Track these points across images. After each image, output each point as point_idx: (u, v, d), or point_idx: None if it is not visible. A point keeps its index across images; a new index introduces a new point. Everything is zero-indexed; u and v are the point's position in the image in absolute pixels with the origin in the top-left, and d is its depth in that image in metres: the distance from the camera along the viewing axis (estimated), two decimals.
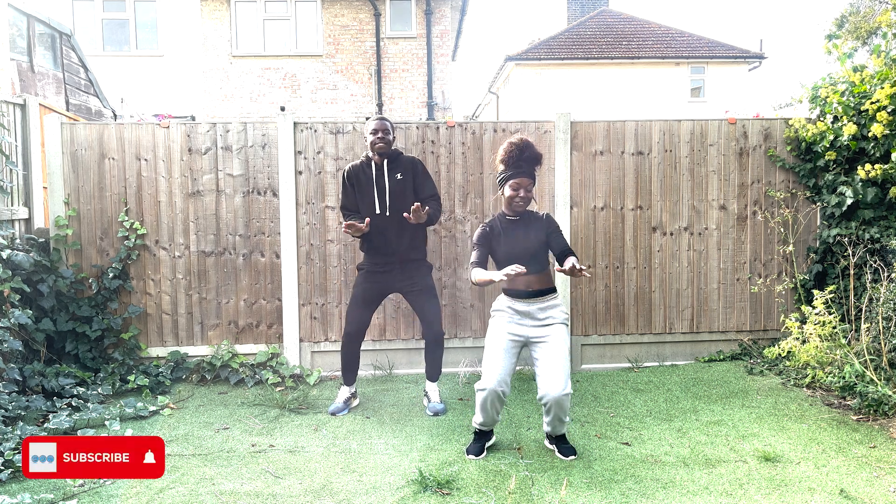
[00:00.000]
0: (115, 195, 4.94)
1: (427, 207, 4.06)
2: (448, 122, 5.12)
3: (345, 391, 4.37)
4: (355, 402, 4.41)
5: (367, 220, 4.08)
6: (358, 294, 4.27)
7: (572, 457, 3.48)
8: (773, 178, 5.28)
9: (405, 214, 4.01)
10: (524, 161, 3.44)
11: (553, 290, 3.52)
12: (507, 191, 3.46)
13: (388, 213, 4.19)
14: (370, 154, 4.25)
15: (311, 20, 14.41)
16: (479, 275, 3.41)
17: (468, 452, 3.55)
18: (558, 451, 3.52)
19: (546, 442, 3.67)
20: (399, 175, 4.21)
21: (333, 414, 4.24)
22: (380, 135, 4.16)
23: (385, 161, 4.22)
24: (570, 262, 3.18)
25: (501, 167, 3.51)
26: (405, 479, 3.25)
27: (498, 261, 3.54)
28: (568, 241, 5.06)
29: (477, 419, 3.55)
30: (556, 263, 3.48)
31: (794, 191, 5.26)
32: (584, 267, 3.21)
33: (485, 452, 3.58)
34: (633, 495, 3.06)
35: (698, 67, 21.56)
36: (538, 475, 3.29)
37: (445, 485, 3.15)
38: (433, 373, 4.36)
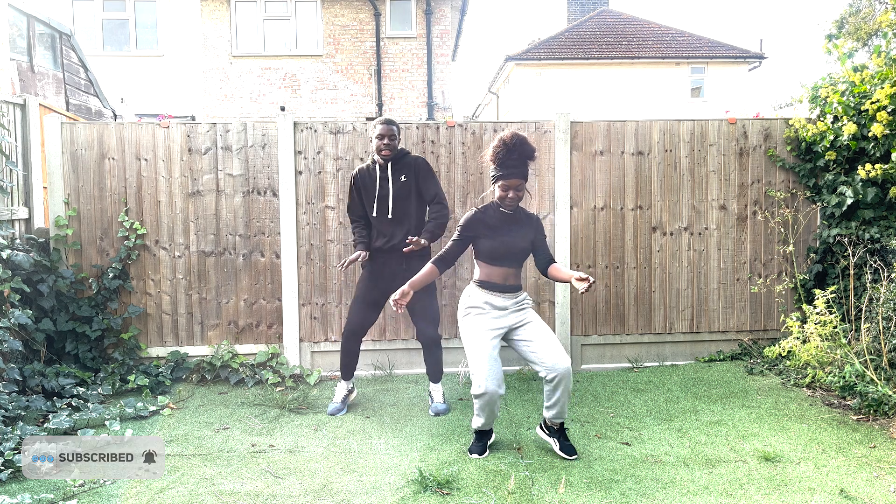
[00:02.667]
0: (115, 195, 4.94)
1: (423, 240, 4.02)
2: (448, 122, 5.12)
3: (342, 387, 4.36)
4: (353, 397, 4.41)
5: (365, 254, 4.20)
6: (360, 292, 4.28)
7: (574, 456, 3.47)
8: (773, 178, 5.28)
9: (404, 249, 4.04)
10: (514, 160, 3.34)
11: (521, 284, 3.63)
12: (498, 191, 3.42)
13: (390, 216, 4.19)
14: (375, 157, 4.24)
15: (311, 20, 14.41)
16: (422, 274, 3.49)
17: (472, 452, 3.55)
18: (560, 449, 3.50)
19: (542, 433, 3.63)
20: (403, 177, 4.19)
21: (332, 414, 4.24)
22: (385, 141, 4.14)
23: (389, 163, 4.21)
24: (577, 274, 3.25)
25: (492, 165, 3.43)
26: (405, 479, 3.25)
27: (480, 250, 3.49)
28: (567, 242, 5.11)
29: (477, 422, 3.53)
30: (546, 272, 3.57)
31: (794, 191, 5.26)
32: (590, 282, 3.22)
33: (487, 451, 3.58)
34: (633, 495, 3.06)
35: (698, 67, 21.57)
36: (538, 475, 3.29)
37: (445, 485, 3.15)
38: (434, 374, 4.35)
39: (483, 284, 3.49)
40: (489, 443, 3.63)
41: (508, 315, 3.49)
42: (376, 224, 4.23)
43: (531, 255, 3.60)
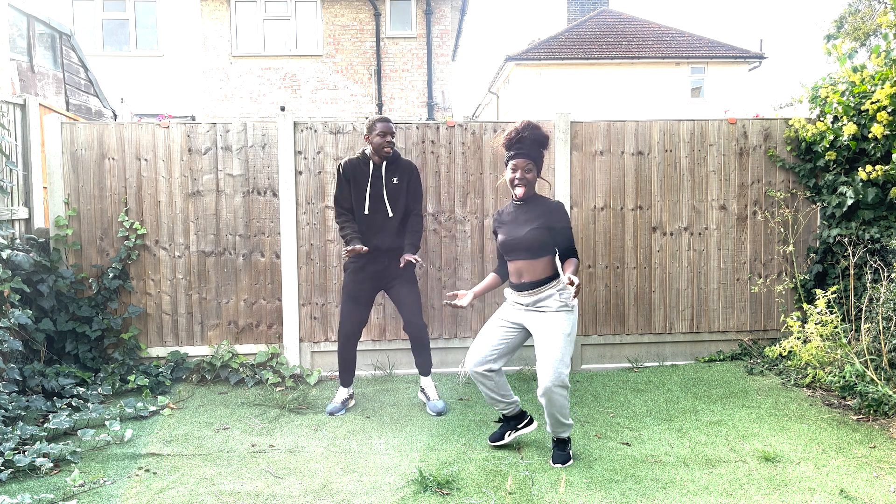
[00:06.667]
0: (115, 195, 4.94)
1: (416, 257, 4.18)
2: (448, 122, 5.12)
3: (342, 392, 4.36)
4: (352, 403, 4.41)
5: (365, 248, 4.12)
6: (349, 293, 4.25)
7: (559, 465, 3.38)
8: (773, 178, 5.28)
9: (401, 264, 4.17)
10: (522, 141, 3.38)
11: (548, 279, 3.38)
12: (508, 173, 3.43)
13: (390, 214, 4.19)
14: (369, 152, 4.23)
15: (311, 20, 14.41)
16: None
17: (489, 438, 3.67)
18: (552, 457, 3.43)
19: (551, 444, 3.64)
20: (396, 179, 4.22)
21: (331, 414, 4.24)
22: (388, 138, 4.15)
23: (384, 163, 4.22)
24: (567, 275, 3.18)
25: (504, 151, 3.48)
26: (405, 479, 3.25)
27: (500, 248, 3.54)
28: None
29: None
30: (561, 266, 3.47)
31: (794, 191, 5.27)
32: (575, 285, 3.11)
33: (506, 439, 3.60)
34: (633, 495, 3.06)
35: (698, 67, 21.56)
36: (538, 475, 3.29)
37: (445, 485, 3.15)
38: (426, 366, 4.38)
39: (508, 283, 3.57)
40: (521, 429, 3.62)
41: (525, 313, 3.42)
42: (363, 221, 4.21)
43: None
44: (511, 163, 3.40)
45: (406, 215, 4.30)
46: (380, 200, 4.19)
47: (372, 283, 4.26)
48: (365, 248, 4.10)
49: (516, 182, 3.40)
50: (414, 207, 4.31)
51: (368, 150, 4.23)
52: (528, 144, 3.38)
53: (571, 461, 3.43)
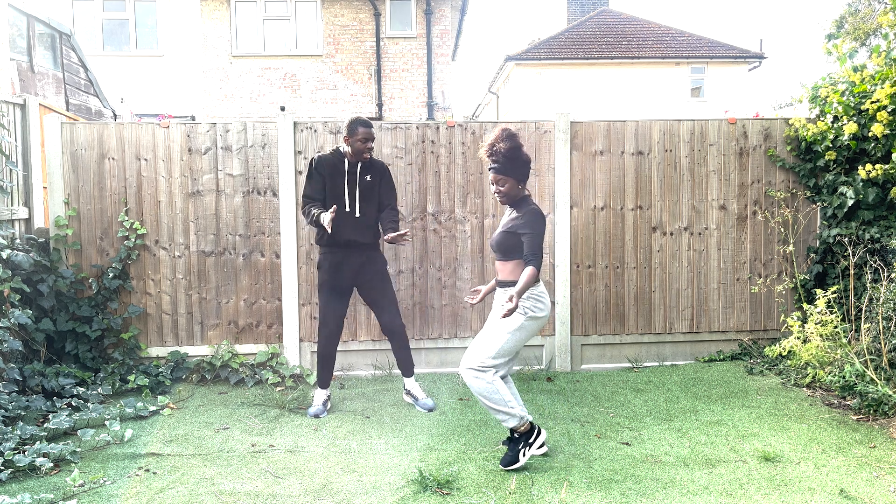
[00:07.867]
0: (115, 195, 4.94)
1: (406, 234, 4.00)
2: (448, 122, 5.12)
3: (321, 394, 4.33)
4: (329, 405, 4.39)
5: (334, 207, 3.96)
6: (329, 289, 4.24)
7: (502, 466, 3.32)
8: (773, 177, 5.28)
9: (387, 238, 3.99)
10: (495, 154, 3.42)
11: (515, 282, 3.39)
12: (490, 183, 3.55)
13: (356, 214, 4.19)
14: (344, 151, 4.22)
15: (311, 20, 14.41)
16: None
17: (503, 442, 3.55)
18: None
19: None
20: (369, 177, 4.24)
21: (316, 416, 4.20)
22: (369, 145, 4.18)
23: (359, 162, 4.23)
24: (513, 292, 3.10)
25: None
26: (405, 479, 3.25)
27: None
28: (567, 242, 5.10)
29: None
30: None
31: (794, 191, 5.27)
32: (509, 306, 3.06)
33: (520, 462, 3.37)
34: (633, 495, 3.06)
35: (698, 67, 21.56)
36: (538, 475, 3.29)
37: (445, 485, 3.15)
38: (408, 368, 4.39)
39: None
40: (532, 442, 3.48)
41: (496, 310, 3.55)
42: (341, 218, 4.18)
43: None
44: (490, 175, 3.50)
45: (378, 212, 4.28)
46: (355, 198, 4.20)
47: (349, 279, 4.26)
48: (334, 207, 3.94)
49: (494, 193, 3.52)
50: (389, 202, 4.32)
51: (345, 149, 4.23)
52: (501, 158, 3.41)
53: (519, 463, 3.31)
